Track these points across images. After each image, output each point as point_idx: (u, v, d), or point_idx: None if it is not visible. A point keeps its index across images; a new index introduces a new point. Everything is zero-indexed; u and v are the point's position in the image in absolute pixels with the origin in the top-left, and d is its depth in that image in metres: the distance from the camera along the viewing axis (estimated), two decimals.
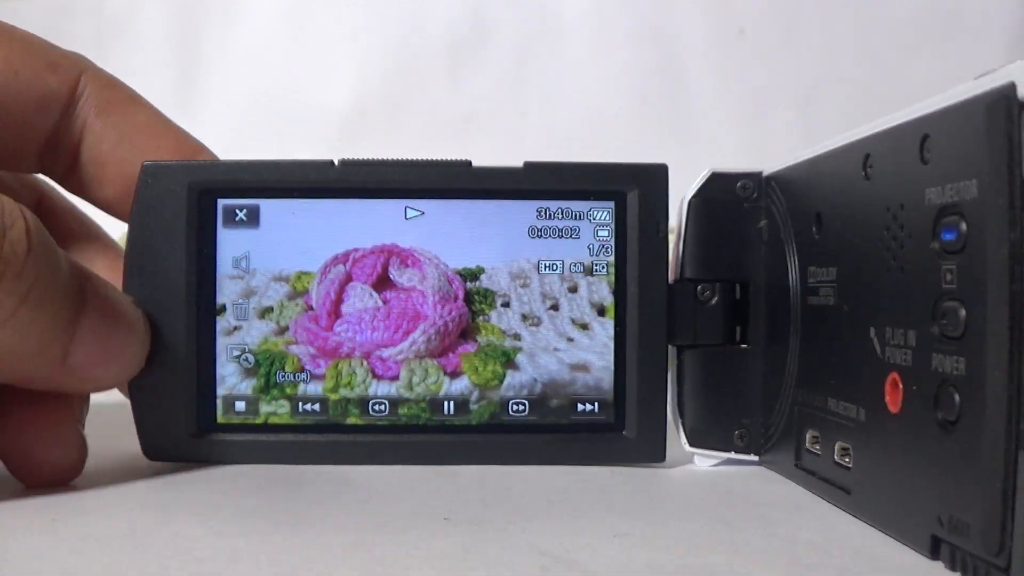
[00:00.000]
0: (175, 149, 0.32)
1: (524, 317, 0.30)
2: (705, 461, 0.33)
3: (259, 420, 0.30)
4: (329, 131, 0.75)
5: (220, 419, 0.31)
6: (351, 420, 0.30)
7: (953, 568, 0.21)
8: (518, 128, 0.72)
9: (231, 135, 0.74)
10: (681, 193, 0.33)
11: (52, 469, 0.29)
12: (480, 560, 0.23)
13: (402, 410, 0.30)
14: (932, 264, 0.22)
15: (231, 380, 0.30)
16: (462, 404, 0.31)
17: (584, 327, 0.31)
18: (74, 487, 0.29)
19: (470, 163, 0.32)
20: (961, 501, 0.20)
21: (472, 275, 0.30)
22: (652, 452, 0.32)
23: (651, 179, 0.32)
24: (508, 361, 0.30)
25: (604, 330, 0.31)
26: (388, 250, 0.30)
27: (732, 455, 0.32)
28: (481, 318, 0.30)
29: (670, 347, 0.32)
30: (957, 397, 0.21)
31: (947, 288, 0.21)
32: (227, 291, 0.31)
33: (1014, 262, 0.19)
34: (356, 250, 0.30)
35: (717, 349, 0.32)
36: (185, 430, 0.31)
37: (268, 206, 0.30)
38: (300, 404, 0.30)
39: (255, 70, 0.76)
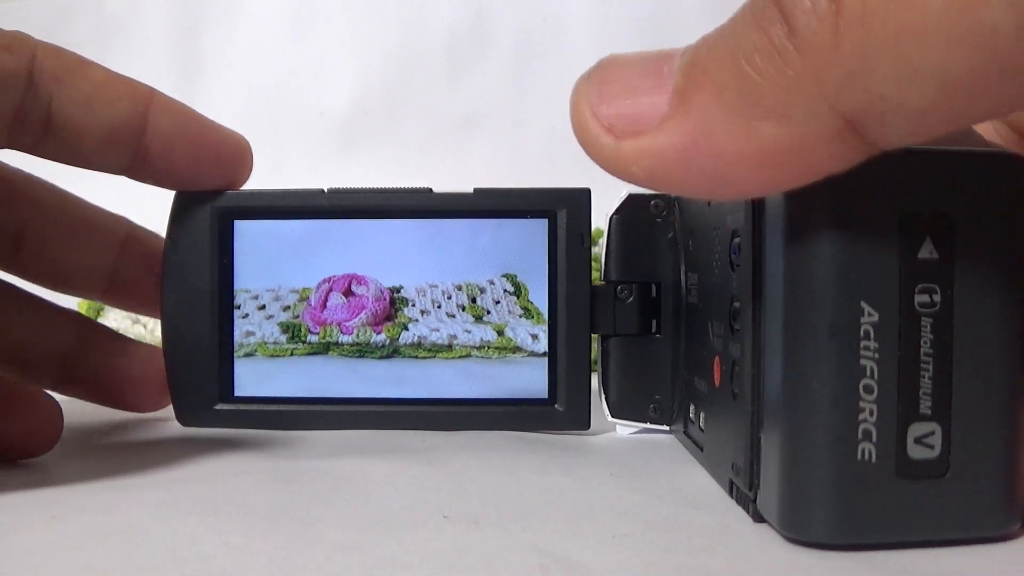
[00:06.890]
0: (132, 95, 0.36)
1: (421, 312, 0.40)
2: (624, 429, 0.40)
3: (286, 351, 0.40)
4: (329, 131, 0.77)
5: (237, 392, 0.40)
6: (331, 352, 0.40)
7: (739, 503, 0.28)
8: (518, 126, 0.74)
9: None
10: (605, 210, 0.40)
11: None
12: (479, 559, 0.23)
13: (353, 347, 0.40)
14: (727, 273, 0.29)
15: (274, 335, 0.40)
16: (381, 345, 0.40)
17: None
18: (73, 485, 0.30)
19: (431, 189, 0.39)
20: (739, 451, 0.27)
21: (396, 289, 0.40)
22: (578, 421, 0.39)
23: (577, 200, 0.39)
24: (404, 327, 0.40)
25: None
26: (352, 276, 0.40)
27: (647, 425, 0.39)
28: (399, 311, 0.40)
29: (595, 336, 0.40)
30: (739, 374, 0.28)
31: (735, 292, 0.28)
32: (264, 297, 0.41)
33: (755, 274, 0.26)
34: (335, 275, 0.40)
35: (635, 338, 0.39)
36: (210, 401, 0.39)
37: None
38: (306, 342, 0.40)
39: (255, 70, 0.77)
